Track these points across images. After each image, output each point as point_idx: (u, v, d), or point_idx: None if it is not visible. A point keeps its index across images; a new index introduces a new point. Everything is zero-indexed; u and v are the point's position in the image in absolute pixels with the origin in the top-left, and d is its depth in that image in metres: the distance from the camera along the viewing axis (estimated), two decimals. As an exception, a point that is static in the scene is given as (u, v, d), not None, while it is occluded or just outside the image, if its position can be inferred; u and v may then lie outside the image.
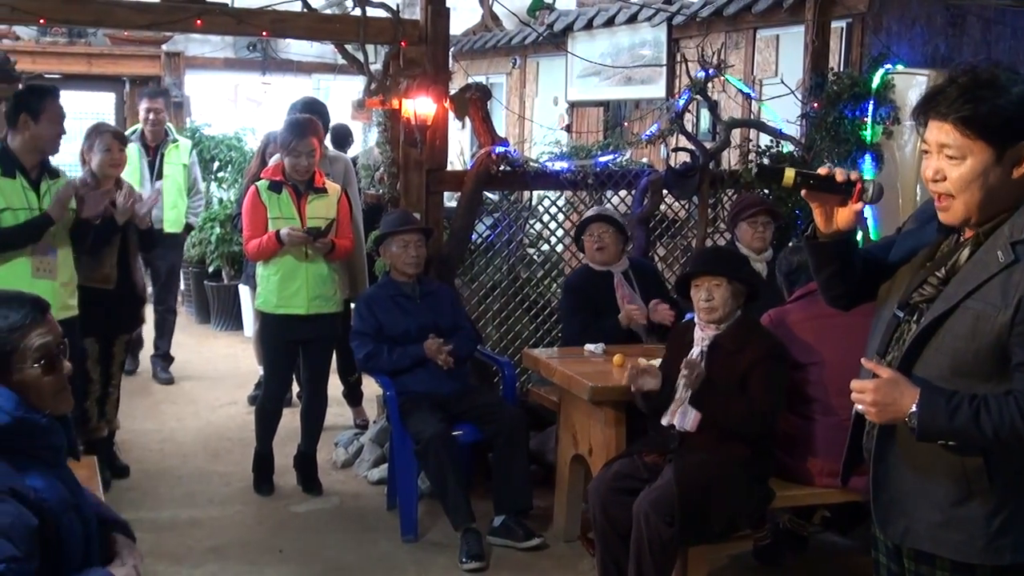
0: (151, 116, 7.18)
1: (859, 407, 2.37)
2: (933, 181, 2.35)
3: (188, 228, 7.54)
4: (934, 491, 2.38)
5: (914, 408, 2.27)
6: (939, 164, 2.33)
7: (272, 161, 5.66)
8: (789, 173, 2.42)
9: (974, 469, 2.33)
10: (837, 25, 6.36)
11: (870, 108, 5.90)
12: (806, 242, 2.57)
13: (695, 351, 4.08)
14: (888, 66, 5.93)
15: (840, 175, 2.43)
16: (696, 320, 4.15)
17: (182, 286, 9.82)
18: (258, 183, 5.30)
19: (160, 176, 7.12)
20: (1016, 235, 2.27)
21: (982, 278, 2.29)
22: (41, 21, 5.61)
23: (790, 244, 5.93)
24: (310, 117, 5.46)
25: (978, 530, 2.34)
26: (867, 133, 5.90)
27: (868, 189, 2.41)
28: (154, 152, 7.17)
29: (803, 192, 2.45)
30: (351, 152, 8.66)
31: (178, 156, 7.28)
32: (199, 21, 5.31)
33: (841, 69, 6.26)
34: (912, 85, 5.82)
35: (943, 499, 2.37)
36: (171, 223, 7.14)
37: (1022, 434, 2.22)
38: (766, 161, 6.13)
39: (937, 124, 2.32)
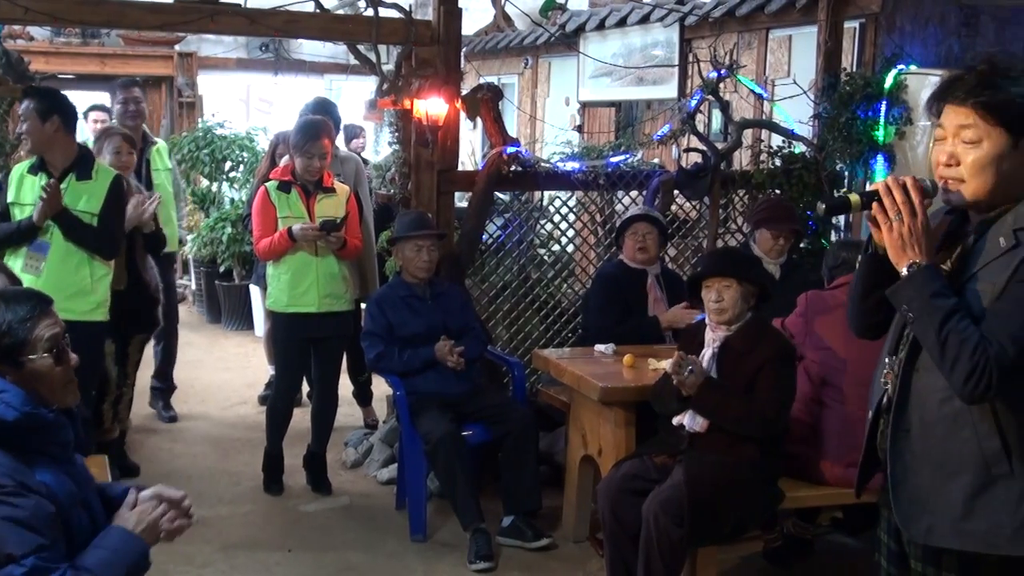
0: (131, 108, 6.24)
1: (894, 216, 2.32)
2: (946, 166, 2.36)
3: (181, 243, 6.82)
4: (954, 484, 2.36)
5: (918, 263, 2.30)
6: (954, 149, 2.35)
7: (282, 162, 5.67)
8: (854, 198, 2.43)
9: (992, 453, 2.32)
10: (850, 25, 6.34)
11: (883, 109, 5.86)
12: (869, 259, 2.52)
13: (706, 352, 4.07)
14: (901, 66, 5.90)
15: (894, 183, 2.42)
16: (707, 321, 4.14)
17: (192, 285, 9.87)
18: (267, 184, 5.32)
19: (150, 186, 6.08)
20: (1019, 223, 2.31)
21: (985, 261, 2.33)
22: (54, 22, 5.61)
23: (839, 239, 5.94)
24: (322, 118, 5.47)
25: (1004, 518, 2.33)
26: (879, 134, 5.87)
27: (927, 187, 2.39)
28: (137, 157, 6.01)
29: (873, 210, 2.40)
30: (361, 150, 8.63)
31: (162, 161, 6.46)
32: (212, 22, 5.32)
33: (854, 69, 6.23)
34: (925, 85, 5.79)
35: (965, 490, 2.35)
36: (169, 241, 6.00)
37: (963, 349, 2.23)
38: (777, 162, 6.12)
39: (955, 108, 2.34)
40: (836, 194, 5.96)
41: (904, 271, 2.33)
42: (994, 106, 2.29)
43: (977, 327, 2.26)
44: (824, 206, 2.50)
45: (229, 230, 8.65)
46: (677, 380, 3.88)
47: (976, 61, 2.37)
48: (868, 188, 2.45)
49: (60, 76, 10.74)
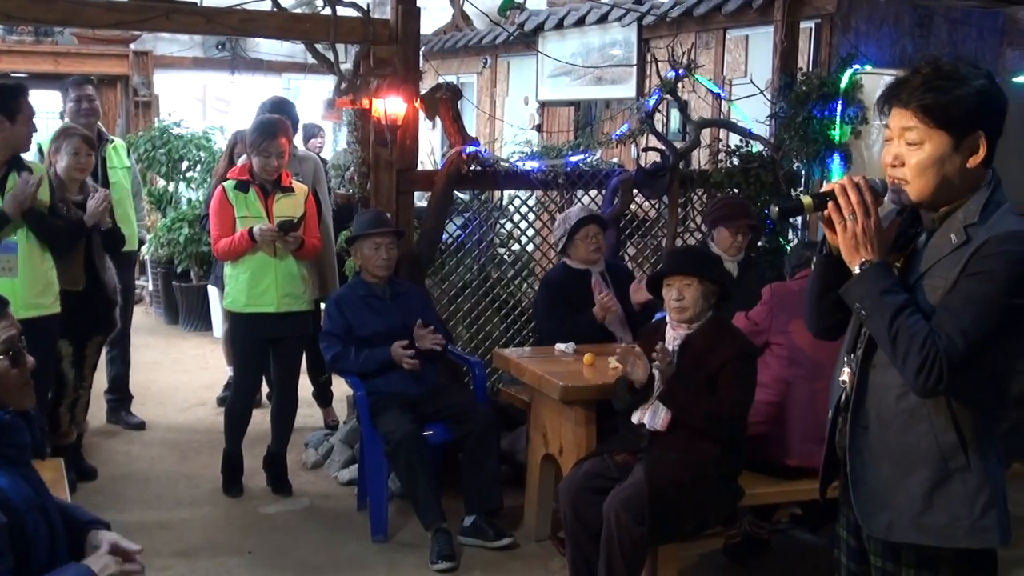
0: (84, 105, 6.07)
1: (848, 216, 2.36)
2: (891, 167, 2.41)
3: (141, 243, 6.68)
4: (913, 479, 2.40)
5: (870, 260, 2.34)
6: (899, 150, 2.40)
7: (240, 161, 5.63)
8: (807, 200, 2.47)
9: (949, 447, 2.36)
10: (806, 25, 6.39)
11: (839, 108, 5.93)
12: (823, 260, 2.55)
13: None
14: (856, 66, 5.97)
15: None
16: (668, 319, 4.16)
17: (150, 286, 9.77)
18: (225, 183, 5.29)
19: (106, 184, 5.93)
20: (969, 220, 2.35)
21: (936, 258, 2.37)
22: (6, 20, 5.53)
23: (801, 239, 5.99)
24: (279, 117, 5.45)
25: (962, 512, 2.37)
26: (836, 133, 5.94)
27: (877, 186, 2.44)
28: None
29: (824, 213, 2.44)
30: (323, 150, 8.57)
31: (120, 159, 6.25)
32: (167, 20, 5.27)
33: (810, 69, 6.29)
34: (880, 85, 5.82)
35: (923, 485, 2.39)
36: (128, 240, 5.88)
37: (914, 343, 2.27)
38: (735, 161, 6.16)
39: (899, 111, 2.39)
40: (792, 194, 6.01)
41: (857, 269, 2.37)
42: (935, 109, 2.33)
43: (927, 322, 2.29)
44: (777, 209, 2.54)
45: (186, 230, 8.59)
46: (656, 367, 3.91)
47: (922, 63, 2.41)
48: (821, 189, 2.48)
49: (13, 75, 10.61)
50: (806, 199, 2.46)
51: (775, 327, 4.30)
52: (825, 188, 2.45)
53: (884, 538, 2.46)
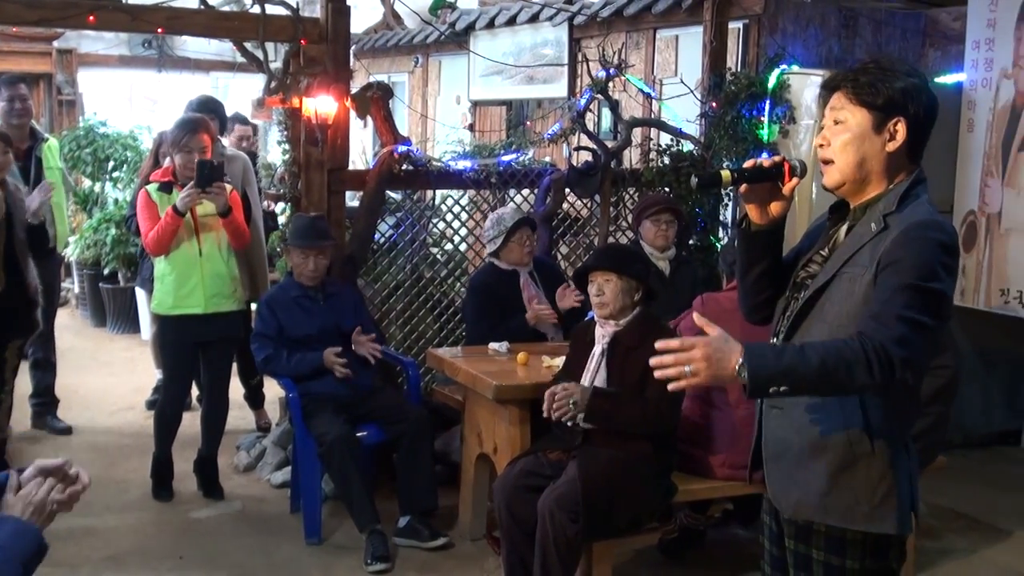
0: (16, 106, 5.98)
1: (686, 369, 2.32)
2: (819, 147, 2.52)
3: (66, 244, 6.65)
4: (820, 460, 2.49)
5: (741, 359, 2.28)
6: (827, 132, 2.51)
7: (165, 162, 5.55)
8: (725, 174, 2.54)
9: (856, 433, 2.45)
10: (734, 26, 6.46)
11: (766, 108, 6.01)
12: (740, 232, 2.65)
13: (596, 348, 4.11)
14: (784, 66, 6.05)
15: (767, 162, 2.56)
16: (595, 318, 4.18)
17: (76, 288, 9.59)
18: (148, 187, 5.22)
19: (39, 183, 5.87)
20: (888, 209, 2.44)
21: (856, 247, 2.45)
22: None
23: (734, 235, 6.04)
24: (201, 116, 5.41)
25: (862, 496, 2.46)
26: (764, 132, 6.01)
27: (796, 167, 2.54)
28: (26, 155, 5.96)
29: (741, 189, 2.55)
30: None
31: (53, 158, 6.23)
32: (92, 17, 5.17)
33: (738, 69, 6.36)
34: (807, 85, 5.94)
35: (829, 467, 2.48)
36: (58, 240, 6.05)
37: (847, 358, 2.26)
38: (666, 160, 6.21)
39: (834, 95, 2.51)
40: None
41: (743, 374, 2.28)
42: (861, 86, 2.44)
43: (836, 337, 2.34)
44: (696, 180, 2.62)
45: (113, 231, 8.45)
46: (568, 417, 3.91)
47: (867, 57, 2.58)
48: (744, 165, 2.57)
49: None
50: (725, 173, 2.54)
51: None
52: (746, 164, 2.55)
53: (792, 516, 2.55)
